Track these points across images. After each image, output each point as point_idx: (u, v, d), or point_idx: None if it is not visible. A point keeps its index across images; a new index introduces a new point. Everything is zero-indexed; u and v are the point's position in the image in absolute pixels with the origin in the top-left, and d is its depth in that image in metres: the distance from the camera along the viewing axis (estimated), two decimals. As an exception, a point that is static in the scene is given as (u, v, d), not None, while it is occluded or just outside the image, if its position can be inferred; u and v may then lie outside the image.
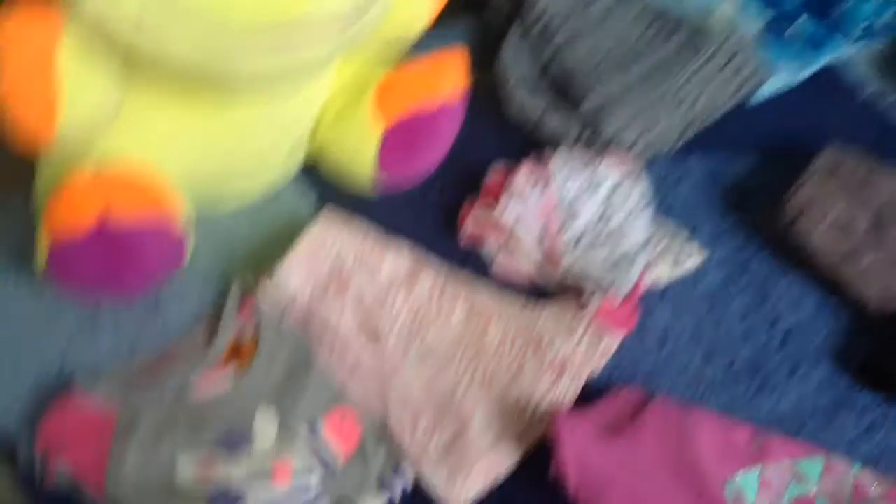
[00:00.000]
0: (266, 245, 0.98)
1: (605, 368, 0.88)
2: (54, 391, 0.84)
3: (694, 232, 1.01)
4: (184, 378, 0.83)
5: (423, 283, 0.92)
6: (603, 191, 0.97)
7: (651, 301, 0.94)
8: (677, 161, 1.08)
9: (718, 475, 0.75)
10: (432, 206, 1.03)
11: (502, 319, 0.89)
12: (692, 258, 0.97)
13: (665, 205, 1.03)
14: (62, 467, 0.76)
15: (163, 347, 0.88)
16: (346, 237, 0.93)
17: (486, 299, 0.91)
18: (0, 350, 0.88)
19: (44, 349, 0.88)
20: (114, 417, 0.78)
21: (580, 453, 0.74)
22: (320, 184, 1.04)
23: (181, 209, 0.84)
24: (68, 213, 0.76)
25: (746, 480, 0.76)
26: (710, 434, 0.78)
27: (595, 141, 1.04)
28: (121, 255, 0.79)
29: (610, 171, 0.98)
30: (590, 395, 0.85)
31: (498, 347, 0.88)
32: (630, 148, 1.03)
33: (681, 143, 1.08)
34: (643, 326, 0.92)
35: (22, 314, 0.91)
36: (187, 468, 0.76)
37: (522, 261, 0.95)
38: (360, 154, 0.97)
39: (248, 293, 0.90)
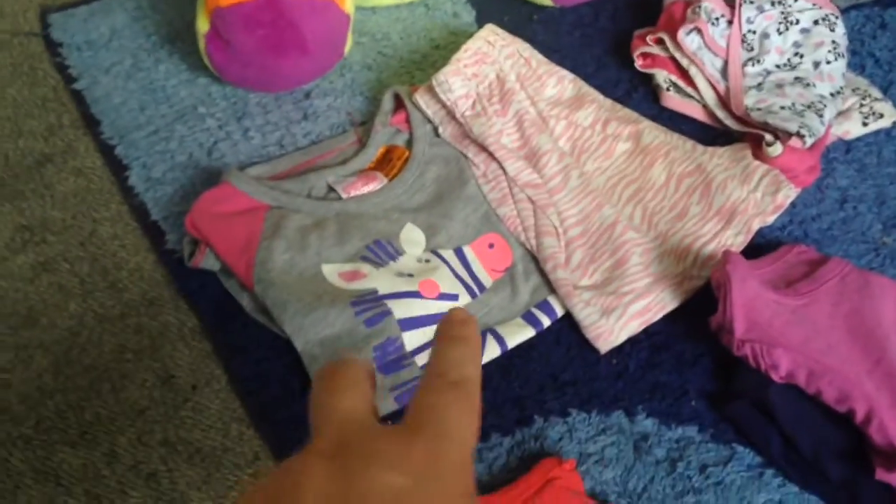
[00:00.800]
0: (420, 57, 0.94)
1: (776, 222, 0.81)
2: (204, 179, 0.82)
3: (888, 90, 0.91)
4: (332, 180, 0.80)
5: (587, 112, 0.86)
6: (795, 31, 0.88)
7: (834, 158, 0.86)
8: (878, 11, 0.98)
9: (898, 344, 0.69)
10: (602, 31, 0.96)
11: (670, 157, 0.83)
12: (883, 118, 0.88)
13: (859, 57, 0.94)
14: (209, 251, 0.74)
15: (310, 149, 0.84)
16: (509, 55, 0.86)
17: (653, 135, 0.84)
18: (154, 133, 0.87)
19: (196, 136, 0.86)
20: (261, 214, 0.76)
21: (751, 301, 0.68)
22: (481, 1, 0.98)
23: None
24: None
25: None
26: (893, 301, 0.71)
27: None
28: (286, 28, 0.75)
29: (804, 12, 0.88)
30: (757, 248, 0.79)
31: (662, 186, 0.82)
32: (829, -11, 0.93)
33: (886, -11, 0.97)
34: (823, 184, 0.84)
35: (176, 98, 0.89)
36: (333, 276, 0.74)
37: (699, 96, 0.87)
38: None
39: (401, 103, 0.85)
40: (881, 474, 0.63)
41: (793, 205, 0.81)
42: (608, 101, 0.87)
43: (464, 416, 0.34)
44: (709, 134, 0.87)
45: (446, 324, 0.38)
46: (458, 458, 0.33)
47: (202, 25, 0.79)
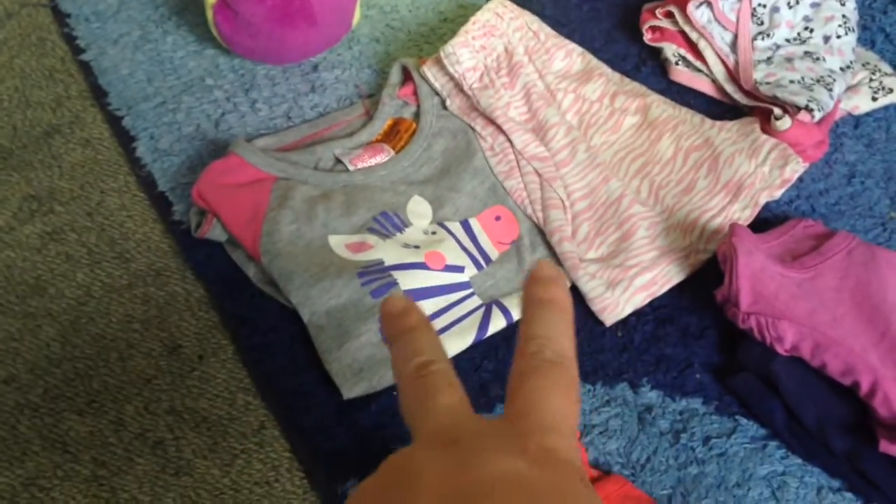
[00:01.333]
0: (429, 30, 0.93)
1: (783, 196, 0.81)
2: (211, 150, 0.83)
3: (899, 65, 0.91)
4: (339, 152, 0.80)
5: (595, 85, 0.85)
6: (805, 5, 0.87)
7: (843, 133, 0.86)
8: (890, -15, 0.97)
9: (904, 319, 0.69)
10: (611, 5, 0.95)
11: (677, 131, 0.82)
12: (893, 93, 0.87)
13: (870, 33, 0.94)
14: (216, 222, 0.74)
15: (318, 121, 0.84)
16: (517, 28, 0.86)
17: (660, 109, 0.84)
18: (161, 104, 0.86)
19: (203, 107, 0.86)
20: (268, 185, 0.76)
21: (757, 274, 0.68)
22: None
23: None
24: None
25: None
26: (899, 275, 0.71)
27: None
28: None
29: (815, -15, 0.88)
30: (764, 222, 0.79)
31: (670, 160, 0.81)
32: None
33: (898, -36, 0.96)
34: (831, 158, 0.84)
35: (184, 69, 0.89)
36: (339, 247, 0.74)
37: (708, 70, 0.87)
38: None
39: (409, 75, 0.85)
40: (885, 446, 0.63)
41: (800, 179, 0.81)
42: (616, 75, 0.87)
43: (566, 401, 0.34)
44: (717, 108, 0.87)
45: (532, 283, 0.37)
46: (569, 446, 0.33)
47: (210, -4, 0.79)
